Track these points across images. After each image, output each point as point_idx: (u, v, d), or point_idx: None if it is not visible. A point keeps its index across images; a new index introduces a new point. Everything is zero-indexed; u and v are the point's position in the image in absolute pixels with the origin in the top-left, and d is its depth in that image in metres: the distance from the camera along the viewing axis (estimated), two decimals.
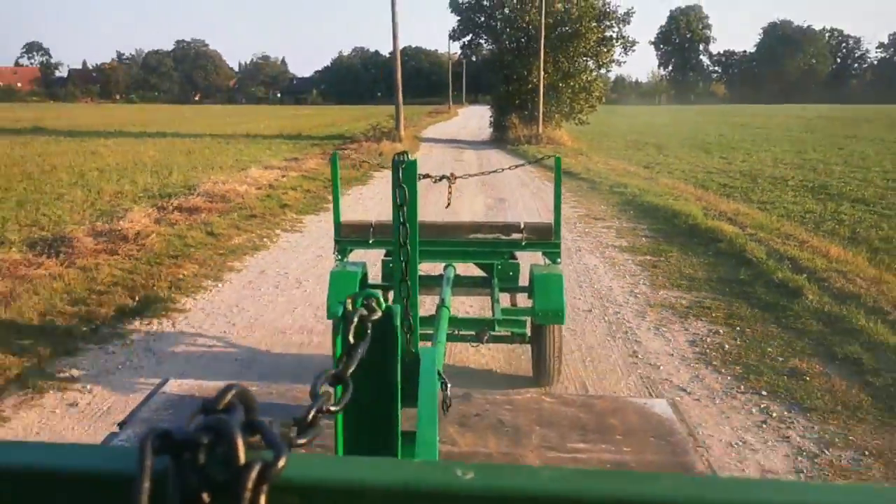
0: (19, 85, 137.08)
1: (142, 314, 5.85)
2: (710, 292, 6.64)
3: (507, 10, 29.10)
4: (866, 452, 3.71)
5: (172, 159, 17.73)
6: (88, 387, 4.51)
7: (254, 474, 0.45)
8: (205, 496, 0.45)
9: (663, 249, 8.36)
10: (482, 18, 30.31)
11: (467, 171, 14.68)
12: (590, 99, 28.24)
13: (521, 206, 12.20)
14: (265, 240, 8.82)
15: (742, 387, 4.56)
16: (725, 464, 3.56)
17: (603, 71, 30.05)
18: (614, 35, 28.25)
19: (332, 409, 0.69)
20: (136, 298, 6.17)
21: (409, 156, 2.26)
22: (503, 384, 4.47)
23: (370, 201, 12.16)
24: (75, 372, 4.73)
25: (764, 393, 4.47)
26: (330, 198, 5.01)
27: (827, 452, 3.72)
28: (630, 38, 28.72)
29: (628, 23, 28.46)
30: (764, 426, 4.03)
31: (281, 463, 0.45)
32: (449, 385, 1.91)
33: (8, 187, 11.85)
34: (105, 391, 4.45)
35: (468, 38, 31.67)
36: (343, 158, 15.99)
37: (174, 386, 2.36)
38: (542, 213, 11.09)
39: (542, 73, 26.03)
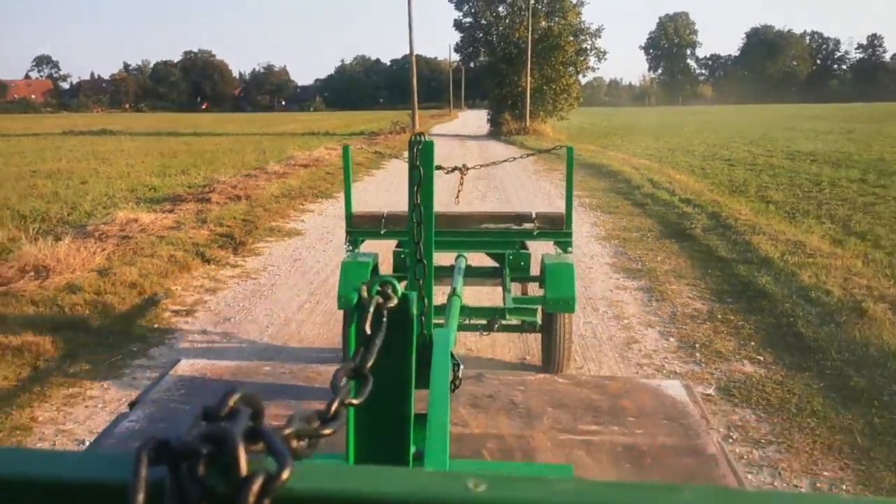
0: (34, 97, 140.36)
1: (328, 195, 11.98)
2: (606, 194, 12.76)
3: (501, 28, 35.49)
4: (623, 218, 9.83)
5: (254, 146, 23.93)
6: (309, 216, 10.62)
7: (256, 487, 0.43)
8: None
9: (587, 180, 14.52)
10: (480, 34, 36.72)
11: (471, 155, 20.89)
12: (569, 99, 34.62)
13: (508, 170, 18.34)
14: (362, 176, 15.07)
15: (599, 212, 10.70)
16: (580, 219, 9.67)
17: (581, 77, 36.32)
18: (588, 47, 34.60)
19: (354, 402, 0.69)
20: (316, 192, 12.31)
21: (426, 138, 2.23)
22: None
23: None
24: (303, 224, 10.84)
25: (601, 213, 10.60)
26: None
27: (607, 217, 9.84)
28: (602, 49, 35.19)
29: (599, 36, 34.97)
30: (598, 220, 10.15)
31: (285, 475, 0.44)
32: (461, 366, 1.83)
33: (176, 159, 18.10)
34: (318, 219, 10.55)
35: (469, 50, 38.04)
36: (374, 145, 22.14)
37: (186, 366, 2.32)
38: (523, 177, 17.22)
39: (528, 78, 32.39)
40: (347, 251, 4.35)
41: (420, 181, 2.08)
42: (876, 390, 4.17)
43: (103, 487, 0.47)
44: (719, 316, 5.71)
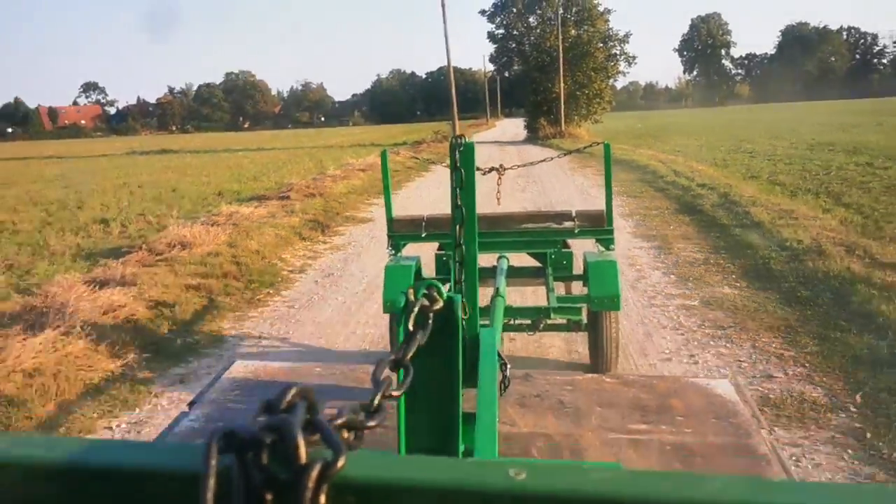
0: (83, 122, 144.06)
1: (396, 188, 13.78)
2: (633, 183, 14.31)
3: (532, 38, 37.21)
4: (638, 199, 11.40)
5: (309, 157, 25.96)
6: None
7: (314, 474, 0.46)
8: (268, 495, 0.47)
9: (617, 173, 16.04)
10: (513, 45, 38.50)
11: (510, 159, 22.47)
12: (601, 103, 36.12)
13: (545, 168, 19.99)
14: (413, 177, 16.88)
15: (625, 196, 12.26)
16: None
17: (612, 81, 37.77)
18: (618, 52, 36.10)
19: (395, 393, 0.72)
20: (378, 190, 14.09)
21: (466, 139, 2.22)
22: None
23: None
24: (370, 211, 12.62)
25: (627, 197, 12.17)
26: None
27: (632, 200, 11.41)
28: (631, 54, 36.65)
29: (627, 42, 36.44)
30: (623, 203, 11.72)
31: (340, 463, 0.47)
32: (509, 366, 1.86)
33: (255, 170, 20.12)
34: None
35: (503, 60, 39.83)
36: (420, 152, 23.96)
37: (240, 367, 2.40)
38: (559, 173, 18.82)
39: (562, 84, 34.01)
40: (390, 255, 4.39)
41: (462, 183, 2.10)
42: (814, 297, 5.76)
43: (174, 475, 0.51)
44: (712, 261, 7.31)
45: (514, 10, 37.91)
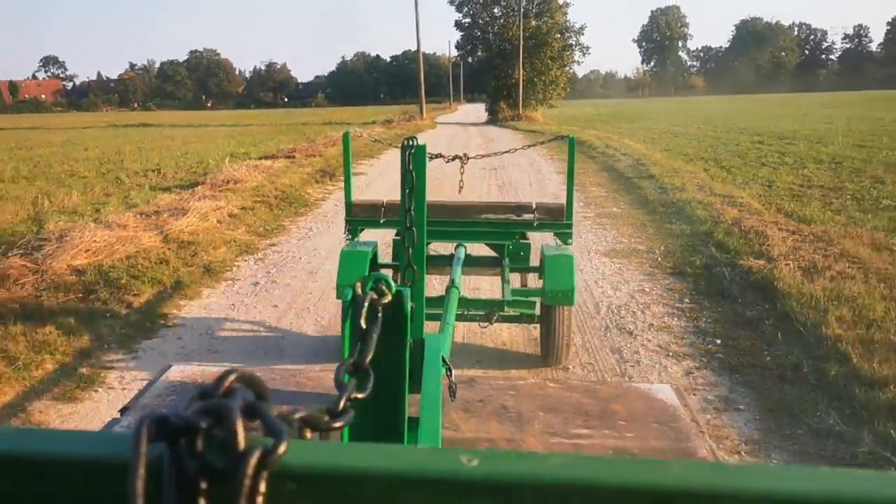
0: (43, 97, 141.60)
1: (371, 157, 16.80)
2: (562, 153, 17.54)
3: (496, 28, 40.42)
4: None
5: (291, 131, 28.80)
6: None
7: (254, 461, 0.44)
8: (202, 483, 0.45)
9: (562, 146, 19.29)
10: (478, 33, 41.67)
11: (473, 137, 25.70)
12: (557, 89, 39.53)
13: (503, 140, 23.20)
14: (386, 150, 19.97)
15: (561, 161, 15.49)
16: (534, 158, 14.47)
17: (567, 69, 41.19)
18: (573, 43, 39.51)
19: (359, 396, 0.71)
20: (364, 155, 17.12)
21: (418, 141, 2.17)
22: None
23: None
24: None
25: (562, 162, 15.40)
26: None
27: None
28: (585, 45, 40.20)
29: (583, 34, 39.82)
30: (559, 167, 14.95)
31: (281, 449, 0.45)
32: (453, 371, 1.86)
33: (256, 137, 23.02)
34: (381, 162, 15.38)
35: (468, 47, 43.00)
36: (392, 129, 26.95)
37: (177, 372, 2.31)
38: (514, 143, 22.03)
39: (521, 71, 37.27)
40: (347, 240, 4.36)
41: (412, 185, 2.04)
42: (665, 210, 9.06)
43: (104, 465, 0.48)
44: (610, 196, 10.60)
45: (481, 1, 41.07)
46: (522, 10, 38.14)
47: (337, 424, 0.60)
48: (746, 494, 0.46)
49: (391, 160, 15.26)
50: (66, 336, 4.66)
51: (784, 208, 8.89)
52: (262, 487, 0.44)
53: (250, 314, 5.41)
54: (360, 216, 4.41)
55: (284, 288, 6.10)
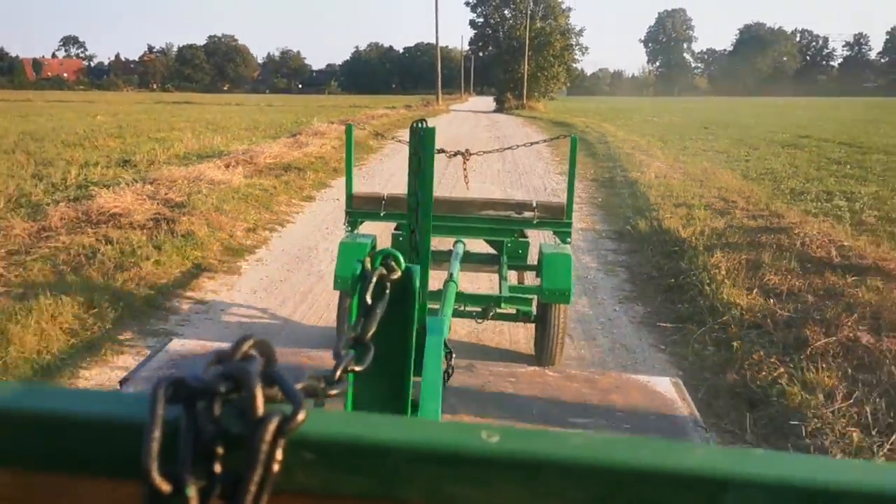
0: (66, 75, 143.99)
1: (403, 127, 21.91)
2: (559, 131, 22.54)
3: (505, 28, 45.64)
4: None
5: (320, 112, 33.88)
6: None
7: (272, 427, 0.44)
8: (218, 448, 0.44)
9: (550, 127, 24.39)
10: (489, 31, 46.83)
11: (484, 122, 30.86)
12: (557, 83, 44.71)
13: (505, 125, 28.25)
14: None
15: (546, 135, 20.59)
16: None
17: (566, 67, 46.37)
18: (573, 44, 44.66)
19: (357, 368, 0.70)
20: (398, 126, 22.20)
21: (427, 123, 2.13)
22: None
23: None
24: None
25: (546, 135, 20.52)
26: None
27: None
28: (584, 46, 45.37)
29: (582, 35, 44.95)
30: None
31: (300, 416, 0.44)
32: (454, 355, 1.87)
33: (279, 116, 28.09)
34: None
35: (479, 43, 48.23)
36: (412, 111, 31.94)
37: (177, 345, 2.33)
38: (515, 126, 27.06)
39: (526, 67, 42.46)
40: (347, 232, 4.38)
41: (419, 168, 2.03)
42: (604, 157, 14.15)
43: (119, 424, 0.48)
44: (556, 152, 15.71)
45: (493, 3, 46.27)
46: (530, 13, 43.27)
47: (332, 392, 0.61)
48: (769, 481, 0.46)
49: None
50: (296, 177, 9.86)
51: (679, 160, 13.99)
52: (279, 455, 0.44)
53: (383, 168, 10.57)
54: (360, 208, 4.39)
55: (391, 164, 11.34)
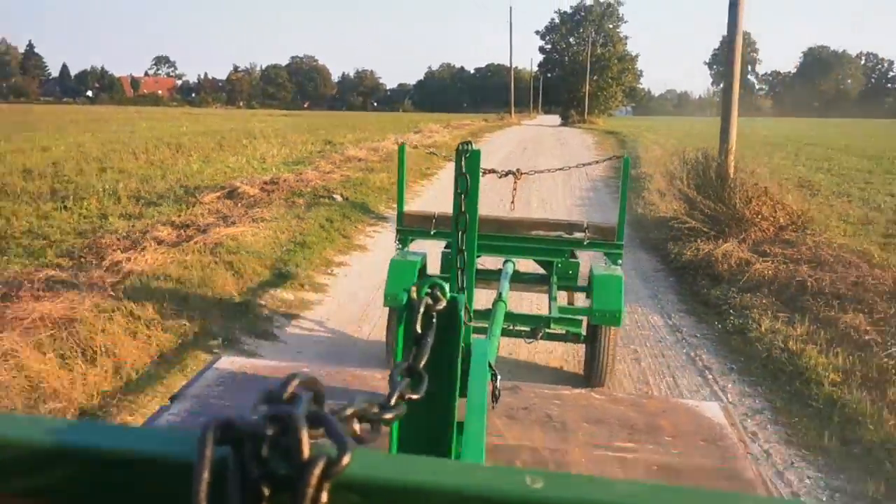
0: (160, 92, 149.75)
1: (479, 138, 29.12)
2: (609, 137, 29.46)
3: (570, 54, 53.06)
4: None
5: (401, 126, 41.51)
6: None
7: (317, 471, 0.44)
8: (265, 489, 0.45)
9: (604, 136, 31.28)
10: (556, 56, 54.27)
11: (549, 133, 38.11)
12: (615, 102, 51.76)
13: (567, 135, 35.28)
14: (497, 130, 32.38)
15: (596, 138, 27.46)
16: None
17: (623, 88, 53.40)
18: (629, 68, 51.67)
19: (413, 396, 0.72)
20: (479, 136, 29.40)
21: (473, 145, 2.17)
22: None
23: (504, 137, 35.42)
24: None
25: (598, 140, 27.42)
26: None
27: (599, 140, 26.74)
28: (638, 69, 52.20)
29: (636, 61, 51.86)
30: (593, 142, 26.98)
31: (345, 460, 0.45)
32: (499, 377, 1.85)
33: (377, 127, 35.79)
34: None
35: (547, 66, 55.73)
36: (493, 123, 39.07)
37: (227, 363, 2.32)
38: (567, 136, 34.00)
39: (587, 87, 49.64)
40: (397, 249, 4.40)
41: (466, 189, 2.03)
42: (628, 146, 21.14)
43: (165, 462, 0.49)
44: (610, 145, 22.71)
45: (560, 32, 53.72)
46: (591, 41, 50.50)
47: (388, 416, 0.61)
48: None
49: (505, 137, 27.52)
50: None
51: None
52: (325, 497, 0.44)
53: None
54: (411, 226, 4.42)
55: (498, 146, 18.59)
